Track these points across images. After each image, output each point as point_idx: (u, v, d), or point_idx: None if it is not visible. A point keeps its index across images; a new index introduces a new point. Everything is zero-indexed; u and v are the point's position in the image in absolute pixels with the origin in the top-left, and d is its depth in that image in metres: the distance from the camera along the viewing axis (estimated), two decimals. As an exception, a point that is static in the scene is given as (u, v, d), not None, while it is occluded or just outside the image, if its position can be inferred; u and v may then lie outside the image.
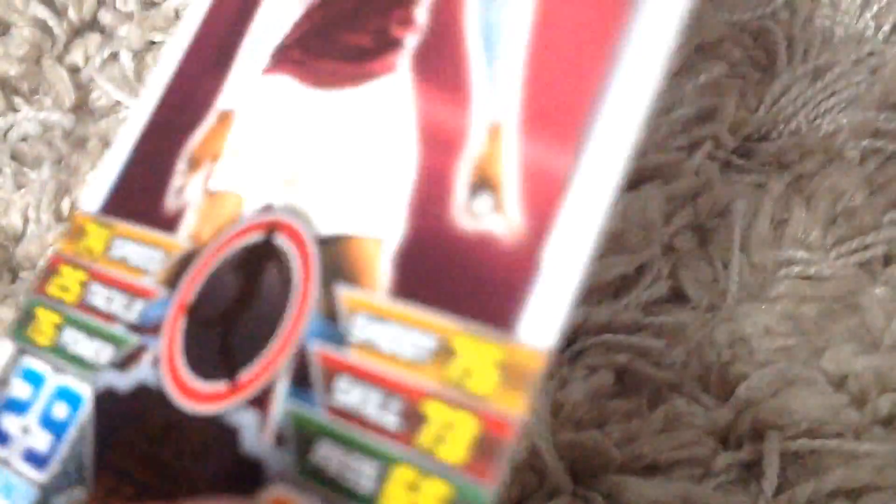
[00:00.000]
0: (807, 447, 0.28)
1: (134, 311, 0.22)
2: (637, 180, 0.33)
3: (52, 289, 0.23)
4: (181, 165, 0.23)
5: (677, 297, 0.31)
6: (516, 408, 0.16)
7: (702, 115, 0.34)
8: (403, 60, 0.20)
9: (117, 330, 0.22)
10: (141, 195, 0.23)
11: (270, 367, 0.19)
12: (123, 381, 0.21)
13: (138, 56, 0.35)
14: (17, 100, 0.34)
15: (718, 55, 0.34)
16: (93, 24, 0.36)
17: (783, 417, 0.28)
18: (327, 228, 0.20)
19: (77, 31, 0.35)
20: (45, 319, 0.23)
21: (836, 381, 0.29)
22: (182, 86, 0.24)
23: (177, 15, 0.35)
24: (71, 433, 0.21)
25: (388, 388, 0.18)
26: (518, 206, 0.18)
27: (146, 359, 0.21)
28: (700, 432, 0.28)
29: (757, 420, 0.28)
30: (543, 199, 0.17)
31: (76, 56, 0.35)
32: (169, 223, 0.22)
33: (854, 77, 0.34)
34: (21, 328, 0.24)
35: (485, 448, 0.16)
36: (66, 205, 0.31)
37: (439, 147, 0.19)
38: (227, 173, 0.22)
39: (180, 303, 0.21)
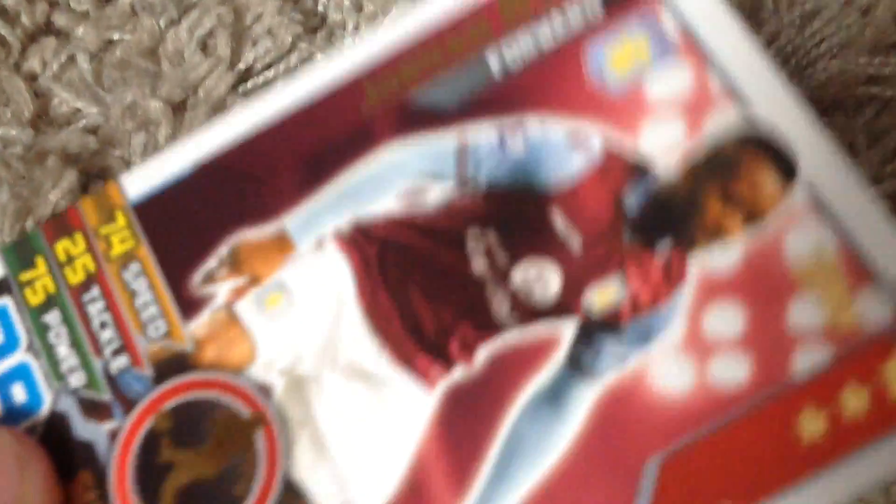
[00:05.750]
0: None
1: (118, 362, 0.20)
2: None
3: (60, 249, 0.21)
4: (223, 251, 0.20)
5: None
6: None
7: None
8: (442, 386, 0.19)
9: (97, 366, 0.20)
10: (176, 231, 0.21)
11: None
12: (81, 426, 0.20)
13: (96, 58, 0.34)
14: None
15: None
16: (47, 28, 0.35)
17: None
18: (298, 475, 0.19)
19: (32, 37, 0.34)
20: (42, 278, 0.21)
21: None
22: (263, 152, 0.21)
23: (133, 11, 0.34)
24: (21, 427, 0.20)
25: None
26: None
27: (107, 426, 0.20)
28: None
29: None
30: None
31: (33, 63, 0.34)
32: (185, 304, 0.20)
33: (844, 20, 0.32)
34: (14, 258, 0.21)
35: None
36: (30, 225, 0.30)
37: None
38: (257, 312, 0.20)
39: (156, 402, 0.20)
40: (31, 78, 0.33)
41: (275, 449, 0.19)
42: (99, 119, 0.32)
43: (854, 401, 0.17)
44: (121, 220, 0.21)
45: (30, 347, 0.21)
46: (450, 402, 0.19)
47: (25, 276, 0.21)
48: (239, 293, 0.20)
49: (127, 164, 0.31)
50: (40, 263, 0.21)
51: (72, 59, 0.33)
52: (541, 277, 0.19)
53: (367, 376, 0.19)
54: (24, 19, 0.34)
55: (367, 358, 0.19)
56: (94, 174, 0.31)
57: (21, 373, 0.21)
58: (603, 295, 0.18)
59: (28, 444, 0.19)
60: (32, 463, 0.19)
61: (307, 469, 0.19)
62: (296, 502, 0.19)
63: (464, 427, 0.18)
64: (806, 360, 0.17)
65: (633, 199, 0.19)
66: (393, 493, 0.18)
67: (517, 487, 0.18)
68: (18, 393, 0.20)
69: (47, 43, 0.34)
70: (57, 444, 0.20)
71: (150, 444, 0.19)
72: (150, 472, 0.19)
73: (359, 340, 0.19)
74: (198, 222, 0.21)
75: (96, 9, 0.34)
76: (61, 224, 0.22)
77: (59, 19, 0.34)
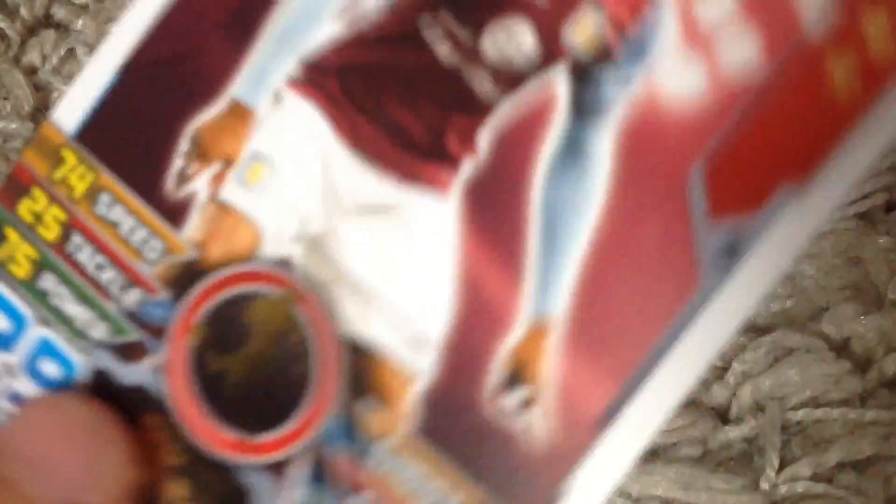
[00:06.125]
0: (810, 417, 0.27)
1: (130, 297, 0.19)
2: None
3: (24, 211, 0.20)
4: (185, 145, 0.19)
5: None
6: None
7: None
8: (457, 186, 0.17)
9: (112, 310, 0.19)
10: (129, 145, 0.19)
11: (288, 445, 0.18)
12: (123, 373, 0.19)
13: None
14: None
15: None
16: (47, 21, 0.34)
17: (783, 388, 0.27)
18: (354, 332, 0.18)
19: (31, 30, 0.34)
20: (20, 247, 0.20)
21: (838, 346, 0.28)
22: (179, 30, 0.19)
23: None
24: None
25: None
26: (549, 420, 0.17)
27: (148, 363, 0.19)
28: (697, 409, 0.27)
29: (756, 392, 0.27)
30: (575, 425, 0.17)
31: (33, 56, 0.34)
32: (170, 213, 0.19)
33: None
34: None
35: None
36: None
37: (476, 312, 0.17)
38: (244, 192, 0.19)
39: (185, 321, 0.19)
40: (31, 71, 0.33)
41: (319, 316, 0.18)
42: (99, 113, 0.31)
43: (876, 30, 0.16)
44: (69, 157, 0.20)
45: (38, 320, 0.20)
46: (470, 199, 0.18)
47: (1, 252, 0.20)
48: (218, 181, 0.19)
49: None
50: (10, 233, 0.20)
51: (71, 52, 0.33)
52: (511, 35, 0.17)
53: (380, 209, 0.18)
54: (24, 12, 0.34)
55: (372, 191, 0.18)
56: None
57: (43, 348, 0.20)
58: (582, 28, 0.17)
59: (101, 410, 0.18)
60: (108, 432, 0.18)
61: (360, 322, 0.18)
62: (362, 357, 0.18)
63: (494, 218, 0.17)
64: (813, 6, 0.16)
65: None
66: (452, 308, 0.18)
67: (571, 251, 0.17)
68: (49, 369, 0.20)
69: (47, 36, 0.34)
70: (108, 400, 0.19)
71: (198, 362, 0.19)
72: (209, 387, 0.19)
73: (356, 177, 0.18)
74: (146, 126, 0.19)
75: (95, 1, 0.34)
76: (13, 186, 0.20)
77: (59, 12, 0.34)
